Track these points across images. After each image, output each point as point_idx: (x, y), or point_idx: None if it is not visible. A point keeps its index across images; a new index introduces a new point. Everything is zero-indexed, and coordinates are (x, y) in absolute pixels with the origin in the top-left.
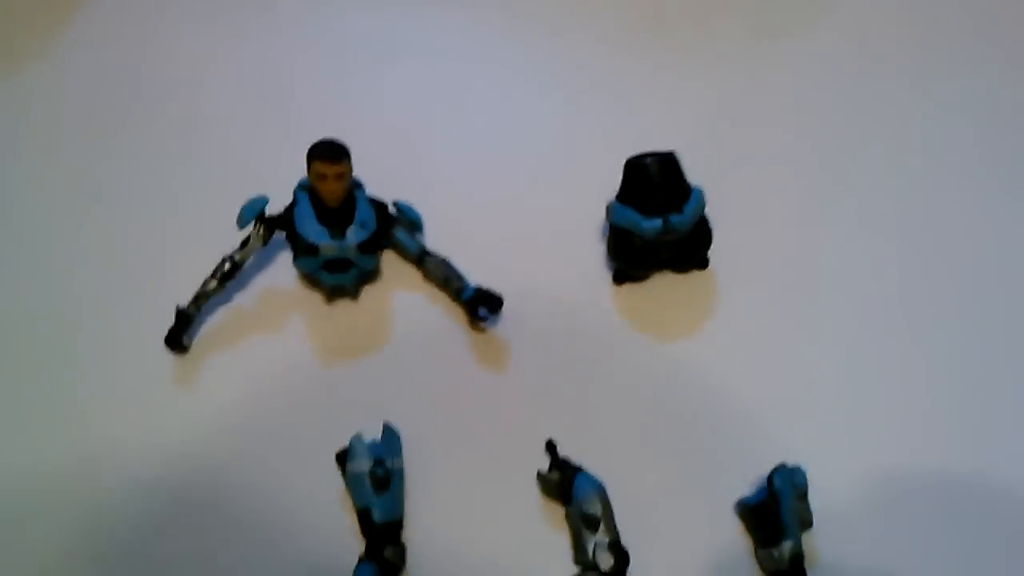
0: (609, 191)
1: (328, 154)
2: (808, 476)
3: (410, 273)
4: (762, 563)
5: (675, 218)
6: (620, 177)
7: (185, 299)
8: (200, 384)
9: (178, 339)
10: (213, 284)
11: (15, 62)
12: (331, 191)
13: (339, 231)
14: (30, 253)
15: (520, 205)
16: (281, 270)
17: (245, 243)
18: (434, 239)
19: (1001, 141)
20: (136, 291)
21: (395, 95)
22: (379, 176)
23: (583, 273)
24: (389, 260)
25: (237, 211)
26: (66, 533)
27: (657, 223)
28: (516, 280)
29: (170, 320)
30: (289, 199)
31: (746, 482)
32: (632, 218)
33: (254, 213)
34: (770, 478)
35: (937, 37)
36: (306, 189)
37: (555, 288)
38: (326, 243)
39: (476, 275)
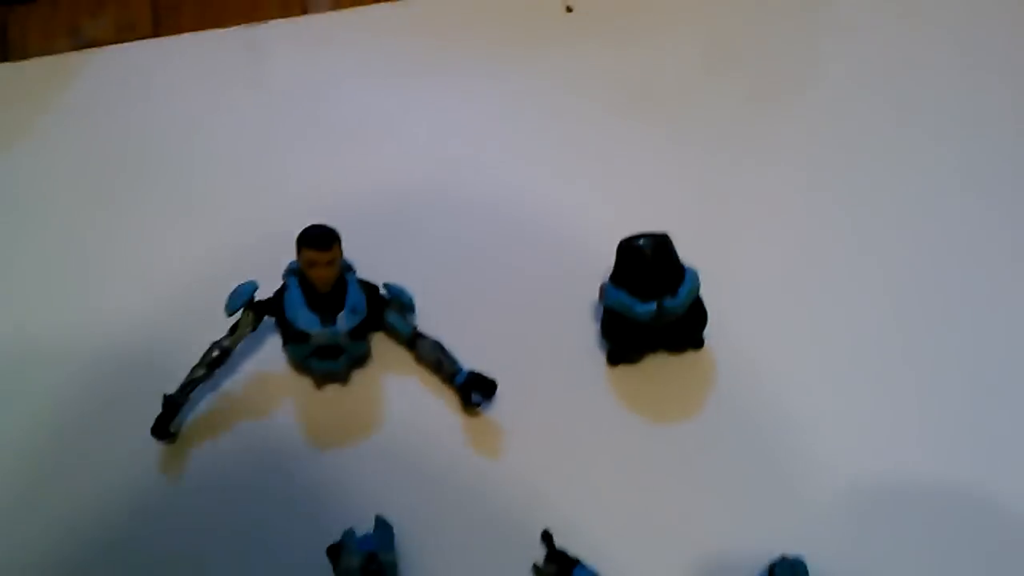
0: (602, 268)
1: (318, 242)
2: (809, 568)
3: (401, 355)
4: None
5: (669, 302)
6: (613, 254)
7: (172, 386)
8: (187, 473)
9: (165, 428)
10: (201, 371)
11: (5, 138)
12: (322, 278)
13: (330, 317)
14: (16, 331)
15: (512, 283)
16: (270, 354)
17: (234, 329)
18: (425, 319)
19: (1002, 207)
20: (122, 377)
21: (387, 170)
22: (370, 253)
23: (577, 354)
24: (380, 341)
25: (225, 295)
26: None
27: (651, 307)
28: (509, 361)
29: (157, 408)
30: (279, 279)
31: (745, 571)
32: (626, 301)
33: (243, 300)
34: (771, 570)
35: (930, 106)
36: (296, 273)
37: (549, 369)
38: (317, 330)
39: (468, 355)
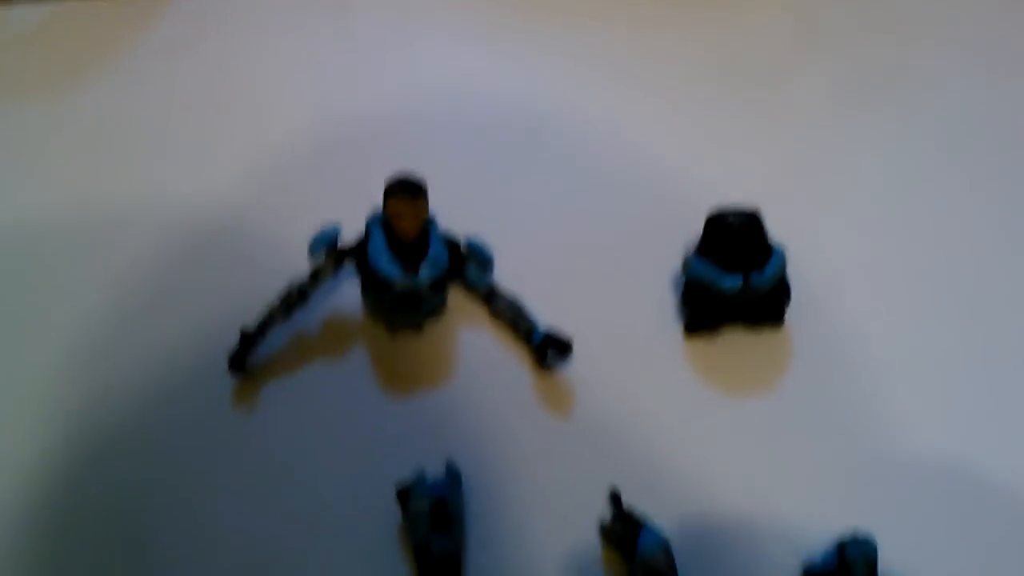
0: (683, 238)
1: (407, 192)
2: (879, 549)
3: (476, 310)
4: None
5: (756, 277)
6: (695, 225)
7: (246, 321)
8: (261, 407)
9: (242, 362)
10: (279, 310)
11: (86, 71)
12: (407, 228)
13: (412, 267)
14: (100, 267)
15: (593, 247)
16: (347, 299)
17: (315, 273)
18: (504, 275)
19: None
20: (198, 310)
21: (471, 128)
22: (453, 206)
23: (654, 322)
24: (457, 295)
25: (307, 238)
26: (123, 549)
27: (737, 280)
28: (585, 324)
29: (233, 341)
30: (356, 227)
31: (809, 546)
32: (711, 274)
33: (327, 242)
34: (841, 546)
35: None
36: (380, 223)
37: (624, 335)
38: (398, 280)
39: (544, 315)
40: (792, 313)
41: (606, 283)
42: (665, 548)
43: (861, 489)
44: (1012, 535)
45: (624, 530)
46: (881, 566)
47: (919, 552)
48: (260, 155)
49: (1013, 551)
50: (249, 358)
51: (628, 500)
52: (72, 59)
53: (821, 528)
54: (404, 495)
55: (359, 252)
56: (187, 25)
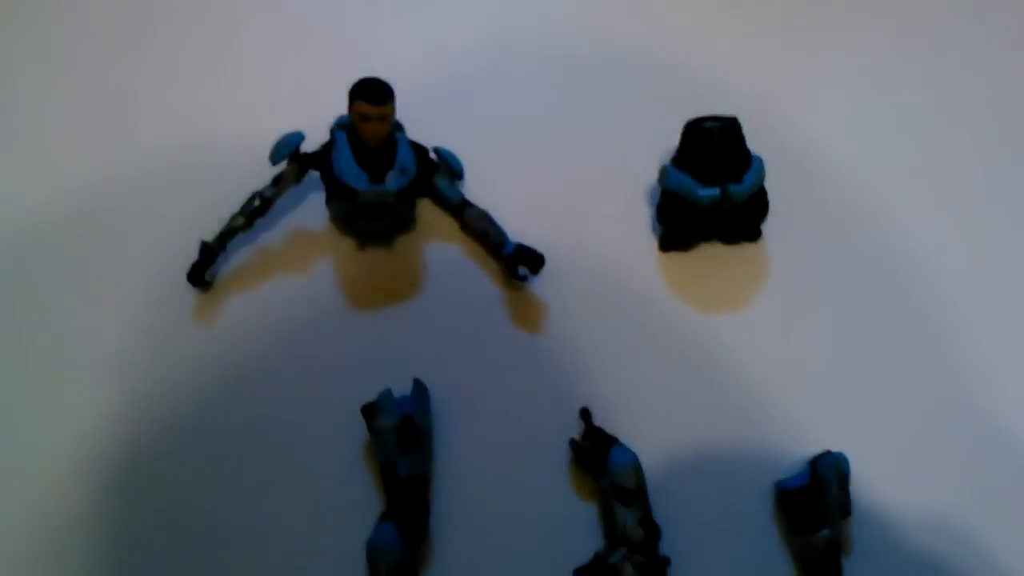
0: (659, 152)
1: (373, 94)
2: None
3: (447, 223)
4: (797, 548)
5: (734, 187)
6: (672, 139)
7: (210, 233)
8: (221, 322)
9: (201, 274)
10: (241, 220)
11: None
12: (373, 133)
13: (378, 175)
14: (52, 174)
15: (566, 161)
16: (312, 211)
17: (277, 180)
18: (475, 190)
19: None
20: (158, 222)
21: (441, 34)
22: (419, 119)
23: (628, 236)
24: (426, 208)
25: (269, 144)
26: (77, 470)
27: (715, 191)
28: (558, 238)
29: (193, 254)
30: (322, 135)
31: (783, 464)
32: (688, 184)
33: (289, 149)
34: (813, 463)
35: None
36: (345, 128)
37: (598, 249)
38: (364, 187)
39: (516, 230)
40: (768, 228)
41: (580, 196)
42: (635, 465)
43: (835, 408)
44: (979, 449)
45: (594, 447)
46: (853, 481)
47: (892, 469)
48: (218, 64)
49: (980, 465)
50: (210, 271)
51: (599, 417)
52: None
53: (793, 447)
54: (370, 412)
55: (323, 159)
56: None
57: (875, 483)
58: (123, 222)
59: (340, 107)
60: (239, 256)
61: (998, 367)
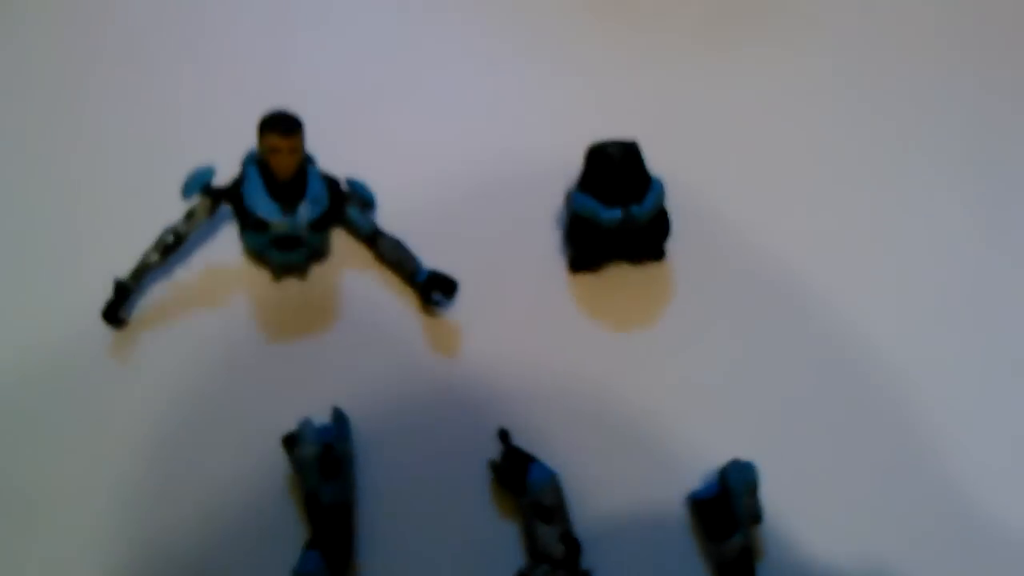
0: (567, 176)
1: (282, 126)
2: (759, 472)
3: (361, 252)
4: (712, 555)
5: (636, 208)
6: (579, 163)
7: (123, 271)
8: (138, 360)
9: (116, 313)
10: (155, 257)
11: None
12: (284, 165)
13: (290, 207)
14: None
15: (476, 187)
16: (226, 244)
17: (190, 215)
18: (386, 218)
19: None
20: (71, 261)
21: (347, 66)
22: (329, 150)
23: (539, 260)
24: (339, 238)
25: (179, 179)
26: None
27: (617, 213)
28: (470, 264)
29: (107, 292)
30: (233, 168)
31: (697, 475)
32: (592, 206)
33: (200, 183)
34: (723, 473)
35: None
36: (256, 162)
37: (510, 273)
38: (277, 219)
39: (429, 257)
40: (673, 247)
41: (490, 223)
42: (554, 482)
43: (742, 419)
44: (890, 455)
45: (513, 467)
46: (762, 491)
47: (799, 477)
48: (129, 99)
49: (889, 474)
50: (124, 309)
51: (517, 437)
52: None
53: (705, 459)
54: (291, 442)
55: (235, 192)
56: None
57: (784, 491)
58: (35, 258)
59: (249, 141)
60: (153, 292)
61: (896, 373)
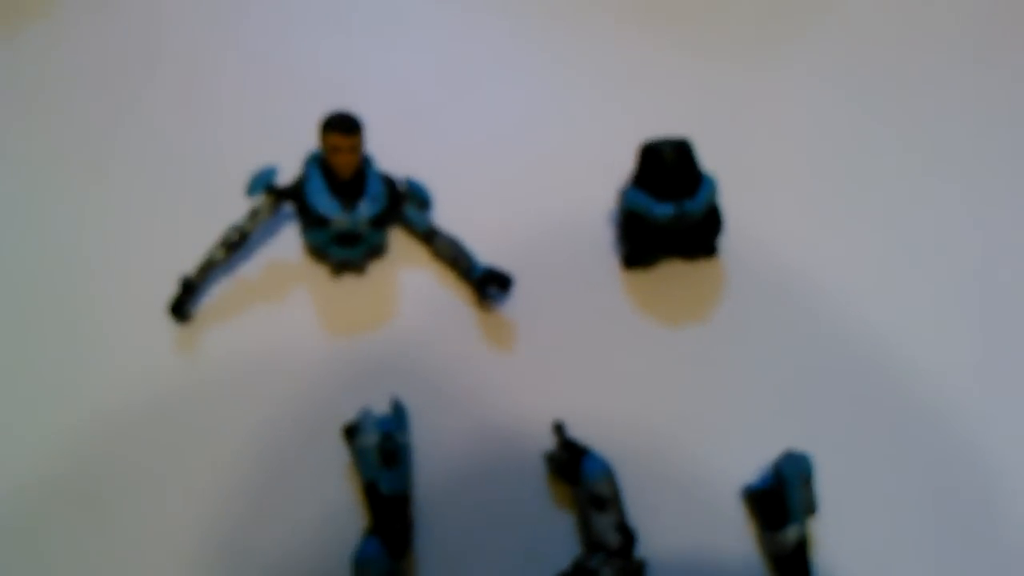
0: (619, 175)
1: (343, 126)
2: (813, 464)
3: (418, 250)
4: (767, 546)
5: (688, 204)
6: (630, 162)
7: (189, 267)
8: (204, 353)
9: (182, 307)
10: (220, 253)
11: (19, 22)
12: (344, 163)
13: (350, 204)
14: (31, 216)
15: (530, 186)
16: (287, 242)
17: (253, 213)
18: (443, 217)
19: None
20: (138, 257)
21: (404, 70)
22: (387, 152)
23: (592, 256)
24: (397, 236)
25: (243, 179)
26: (64, 499)
27: (670, 208)
28: (525, 260)
29: (173, 288)
30: (294, 169)
31: (750, 467)
32: (645, 203)
33: (264, 183)
34: (777, 464)
35: (950, 37)
36: (317, 161)
37: (564, 270)
38: (337, 216)
39: (485, 254)
40: (724, 244)
41: (544, 221)
42: (608, 473)
43: (795, 412)
44: (939, 447)
45: (568, 458)
46: (816, 481)
47: (852, 468)
48: (191, 102)
49: (939, 464)
50: (190, 304)
51: (572, 429)
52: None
53: (759, 451)
54: (351, 432)
55: (297, 191)
56: None
57: (838, 482)
58: (103, 259)
59: (309, 144)
60: (217, 288)
61: (947, 369)
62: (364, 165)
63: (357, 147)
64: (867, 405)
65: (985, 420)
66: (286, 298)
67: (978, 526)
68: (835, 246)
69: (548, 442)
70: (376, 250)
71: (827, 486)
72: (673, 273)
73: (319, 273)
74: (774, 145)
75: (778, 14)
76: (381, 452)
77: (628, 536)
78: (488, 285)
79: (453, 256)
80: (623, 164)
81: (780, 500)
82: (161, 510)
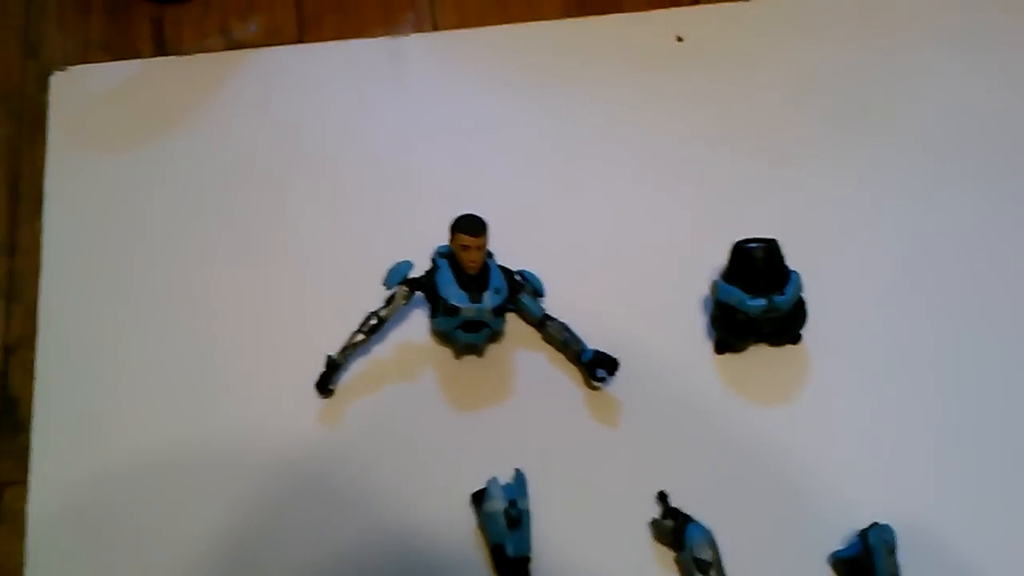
0: (710, 269)
1: (472, 228)
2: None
3: (531, 335)
4: None
5: (778, 298)
6: (719, 257)
7: (332, 348)
8: (344, 425)
9: (327, 384)
10: (360, 337)
11: (162, 133)
12: (472, 260)
13: (477, 295)
14: (195, 303)
15: (631, 278)
16: (415, 327)
17: (390, 300)
18: (554, 306)
19: None
20: (292, 340)
21: (512, 175)
22: (505, 247)
23: (687, 342)
24: (512, 321)
25: (374, 271)
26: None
27: (762, 302)
28: (627, 345)
29: (319, 366)
30: (415, 262)
31: (837, 537)
32: (738, 296)
33: (401, 276)
34: (864, 534)
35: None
36: (446, 256)
37: (663, 354)
38: (466, 306)
39: (591, 339)
40: (808, 332)
41: (645, 308)
42: (710, 539)
43: (878, 487)
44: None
45: (673, 525)
46: (900, 551)
47: (934, 540)
48: (330, 204)
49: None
50: (333, 381)
51: (674, 499)
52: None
53: (845, 522)
54: (479, 498)
55: (428, 282)
56: (255, 84)
57: (920, 553)
58: (257, 342)
59: (433, 241)
60: (355, 367)
61: None
62: (487, 259)
63: (483, 246)
64: (947, 480)
65: None
66: (415, 377)
67: None
68: (913, 331)
69: (652, 510)
70: (496, 335)
71: (909, 556)
72: (761, 357)
73: (444, 355)
74: (852, 242)
75: (847, 126)
76: (507, 517)
77: None
78: (597, 367)
79: (564, 341)
80: (713, 259)
81: (866, 568)
82: (303, 571)
